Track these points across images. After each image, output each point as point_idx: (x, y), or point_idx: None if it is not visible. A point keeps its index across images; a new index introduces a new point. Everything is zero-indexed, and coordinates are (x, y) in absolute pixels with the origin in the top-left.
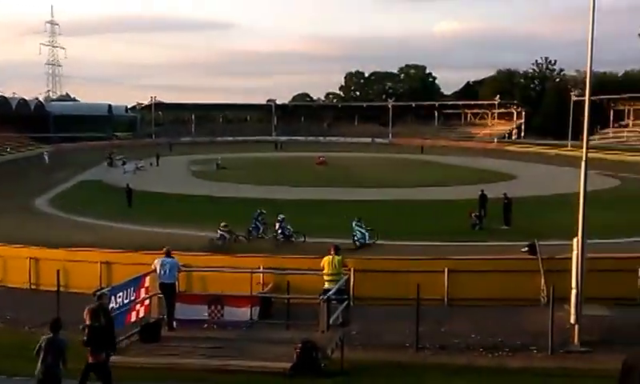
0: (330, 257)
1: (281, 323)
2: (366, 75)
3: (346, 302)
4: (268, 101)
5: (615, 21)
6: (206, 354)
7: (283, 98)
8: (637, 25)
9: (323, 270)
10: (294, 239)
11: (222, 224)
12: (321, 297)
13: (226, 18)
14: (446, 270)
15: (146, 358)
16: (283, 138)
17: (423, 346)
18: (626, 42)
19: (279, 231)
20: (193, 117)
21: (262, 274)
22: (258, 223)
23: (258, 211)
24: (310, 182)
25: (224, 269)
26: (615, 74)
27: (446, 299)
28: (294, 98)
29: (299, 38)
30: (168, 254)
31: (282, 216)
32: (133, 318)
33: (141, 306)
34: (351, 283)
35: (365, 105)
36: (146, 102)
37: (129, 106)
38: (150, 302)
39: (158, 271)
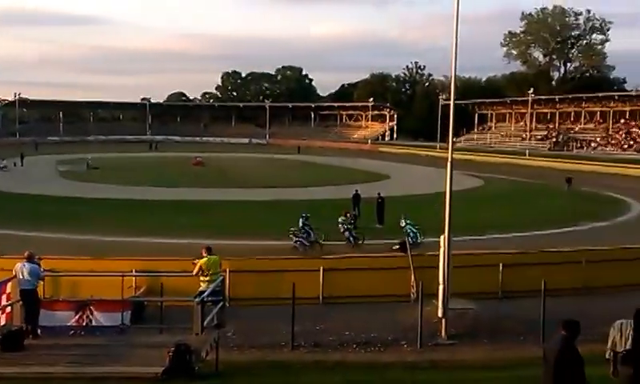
0: (206, 258)
1: (154, 327)
2: (243, 75)
3: (222, 303)
4: (142, 99)
5: (479, 29)
6: (74, 361)
7: (158, 97)
8: (499, 33)
9: (199, 271)
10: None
11: (294, 229)
12: (195, 298)
13: (99, 13)
14: (321, 269)
15: (9, 368)
16: (158, 138)
17: (299, 344)
18: (489, 49)
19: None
20: (61, 115)
21: (134, 278)
22: (307, 229)
23: (304, 215)
24: (186, 182)
25: (93, 274)
26: (479, 79)
27: (321, 298)
28: (170, 98)
29: (175, 36)
30: (29, 259)
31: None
32: None
33: (2, 314)
34: (227, 284)
35: (242, 105)
36: (10, 99)
37: None
38: (12, 309)
39: (18, 277)
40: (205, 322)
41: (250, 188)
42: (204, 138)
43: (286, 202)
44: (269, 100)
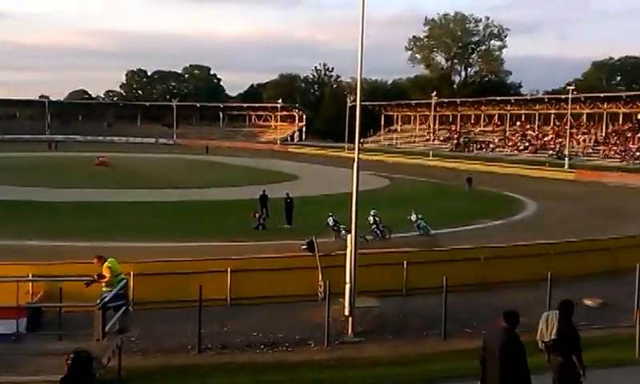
0: (109, 262)
1: (52, 334)
2: (149, 74)
3: (124, 308)
4: (40, 97)
5: (386, 32)
6: None
7: (58, 95)
8: (404, 36)
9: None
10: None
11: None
12: (96, 303)
13: None
14: (229, 270)
15: None
16: (59, 138)
17: (206, 347)
18: (395, 52)
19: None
20: None
21: (30, 283)
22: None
23: (331, 215)
24: (88, 183)
25: None
26: (385, 82)
27: (228, 299)
28: (71, 95)
29: (76, 32)
30: None
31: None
32: None
33: None
34: (131, 287)
35: (148, 104)
36: None
37: None
38: None
39: None
40: (107, 328)
41: (156, 189)
42: (108, 138)
43: (192, 202)
44: (176, 99)
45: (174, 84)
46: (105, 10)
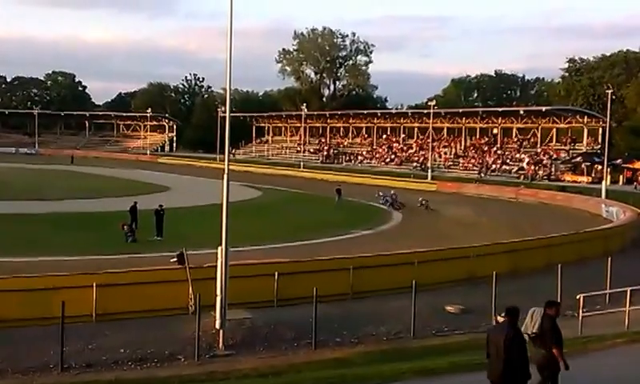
0: None
1: None
2: (9, 80)
3: None
4: None
5: (256, 44)
6: None
7: None
8: (275, 48)
9: None
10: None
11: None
12: None
13: None
14: (94, 285)
15: None
16: None
17: (69, 365)
18: (266, 63)
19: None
20: None
21: None
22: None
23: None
24: None
25: None
26: (257, 93)
27: (94, 315)
28: None
29: None
30: None
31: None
32: None
33: None
34: None
35: (7, 112)
36: None
37: None
38: None
39: None
40: None
41: (15, 200)
42: None
43: (57, 214)
44: (38, 107)
45: (35, 91)
46: None
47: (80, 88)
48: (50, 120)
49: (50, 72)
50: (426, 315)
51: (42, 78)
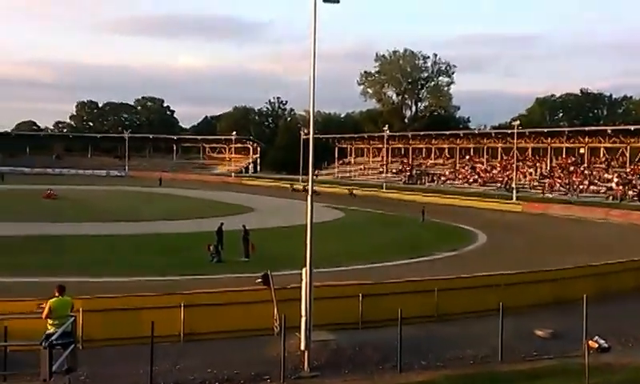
0: (56, 298)
1: None
2: (100, 105)
3: (73, 346)
4: None
5: (338, 66)
6: None
7: (5, 126)
8: (356, 70)
9: (49, 313)
10: None
11: None
12: (43, 342)
13: None
14: (182, 305)
15: None
16: (5, 170)
17: None
18: (348, 85)
19: None
20: None
21: None
22: None
23: None
24: (37, 216)
25: None
26: (339, 114)
27: (182, 335)
28: (18, 126)
29: (25, 63)
30: None
31: None
32: None
33: None
34: (80, 324)
35: (99, 136)
36: None
37: None
38: None
39: None
40: (54, 367)
41: (107, 222)
42: (57, 170)
43: (145, 235)
44: (128, 131)
45: (125, 116)
46: (56, 41)
47: (168, 112)
48: (139, 143)
49: (140, 97)
50: (513, 339)
51: (132, 103)
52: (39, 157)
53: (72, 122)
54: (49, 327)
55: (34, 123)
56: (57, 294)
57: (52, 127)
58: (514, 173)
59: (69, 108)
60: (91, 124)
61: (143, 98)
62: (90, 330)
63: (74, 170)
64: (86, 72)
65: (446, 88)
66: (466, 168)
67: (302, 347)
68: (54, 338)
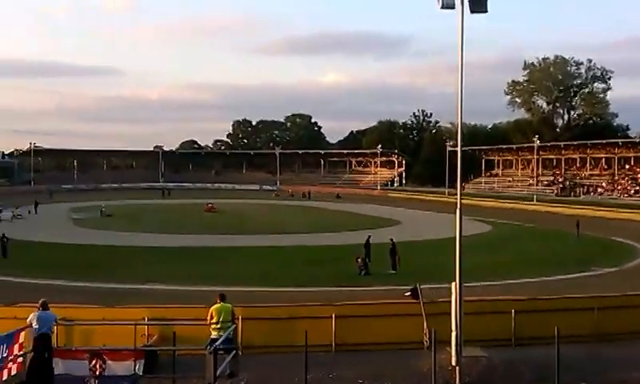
0: (218, 305)
1: (167, 377)
2: (254, 123)
3: (234, 352)
4: (155, 147)
5: (484, 76)
6: None
7: (170, 145)
8: (503, 80)
9: (211, 319)
10: None
11: None
12: (207, 347)
13: (111, 63)
14: (333, 315)
15: None
16: (171, 185)
17: None
18: (494, 95)
19: None
20: (75, 163)
21: (146, 326)
22: None
23: None
24: (200, 229)
25: (105, 322)
26: (485, 126)
27: (333, 345)
28: (182, 145)
29: (187, 86)
30: (44, 307)
31: None
32: (5, 376)
33: (13, 364)
34: (239, 331)
35: (252, 152)
36: (24, 148)
37: (5, 152)
38: (25, 359)
39: (33, 326)
40: (218, 371)
41: (263, 234)
42: (215, 185)
43: (297, 247)
44: (279, 147)
45: (276, 132)
46: (213, 66)
47: (315, 128)
48: (289, 159)
49: (289, 114)
50: None
51: (282, 120)
52: (200, 173)
53: (228, 140)
54: (212, 333)
55: (195, 142)
56: (218, 301)
57: (211, 145)
58: None
59: (226, 126)
60: (245, 141)
61: (292, 114)
62: (249, 336)
63: (230, 184)
64: (241, 92)
65: (601, 95)
66: (626, 179)
67: (453, 362)
68: (217, 343)
